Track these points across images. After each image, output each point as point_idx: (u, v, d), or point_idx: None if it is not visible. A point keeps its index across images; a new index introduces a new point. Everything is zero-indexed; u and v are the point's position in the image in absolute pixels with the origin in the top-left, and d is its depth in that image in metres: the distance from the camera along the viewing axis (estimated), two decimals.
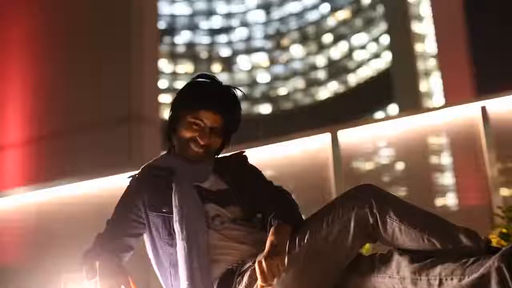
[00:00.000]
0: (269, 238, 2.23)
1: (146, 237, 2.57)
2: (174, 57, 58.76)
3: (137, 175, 2.63)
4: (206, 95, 2.54)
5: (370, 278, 2.18)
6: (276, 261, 2.12)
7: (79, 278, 2.36)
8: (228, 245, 2.42)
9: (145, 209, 2.51)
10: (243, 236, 2.45)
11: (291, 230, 2.25)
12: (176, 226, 2.42)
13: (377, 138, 5.49)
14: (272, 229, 2.27)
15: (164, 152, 2.67)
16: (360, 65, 55.88)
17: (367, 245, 3.90)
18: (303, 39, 60.28)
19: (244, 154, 2.73)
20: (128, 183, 2.63)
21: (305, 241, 2.20)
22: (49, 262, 5.37)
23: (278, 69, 60.71)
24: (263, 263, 2.12)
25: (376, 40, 54.59)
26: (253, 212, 2.54)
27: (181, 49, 59.90)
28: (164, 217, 2.48)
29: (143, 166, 2.66)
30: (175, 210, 2.44)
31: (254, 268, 2.23)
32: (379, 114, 47.01)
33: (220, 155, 2.70)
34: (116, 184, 5.33)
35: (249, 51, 61.08)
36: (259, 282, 2.14)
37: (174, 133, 2.59)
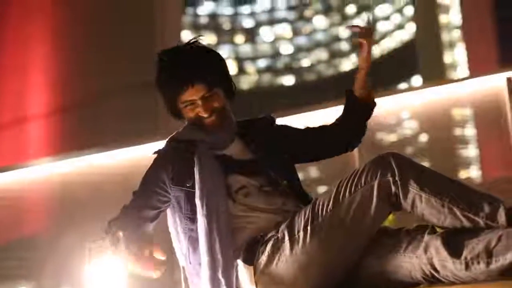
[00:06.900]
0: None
1: (168, 211, 2.57)
2: (197, 28, 58.54)
3: (162, 149, 2.63)
4: (175, 77, 2.49)
5: (396, 256, 2.15)
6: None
7: (104, 247, 2.38)
8: (252, 215, 2.40)
9: (169, 183, 2.50)
10: (268, 205, 2.42)
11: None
12: (197, 201, 2.40)
13: (401, 110, 5.45)
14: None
15: (187, 123, 2.61)
16: (384, 36, 55.41)
17: (391, 217, 3.90)
18: (327, 10, 59.86)
19: (271, 115, 2.74)
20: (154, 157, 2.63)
21: (328, 210, 2.19)
22: (74, 232, 5.41)
23: (301, 41, 60.40)
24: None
25: (400, 11, 54.11)
26: (283, 174, 2.53)
27: (204, 20, 59.70)
28: (187, 191, 2.46)
29: (167, 139, 2.66)
30: (196, 185, 2.42)
31: (277, 237, 2.25)
32: (402, 86, 46.69)
33: (245, 119, 2.70)
34: (141, 154, 5.33)
35: (272, 22, 60.75)
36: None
37: (179, 114, 2.59)
